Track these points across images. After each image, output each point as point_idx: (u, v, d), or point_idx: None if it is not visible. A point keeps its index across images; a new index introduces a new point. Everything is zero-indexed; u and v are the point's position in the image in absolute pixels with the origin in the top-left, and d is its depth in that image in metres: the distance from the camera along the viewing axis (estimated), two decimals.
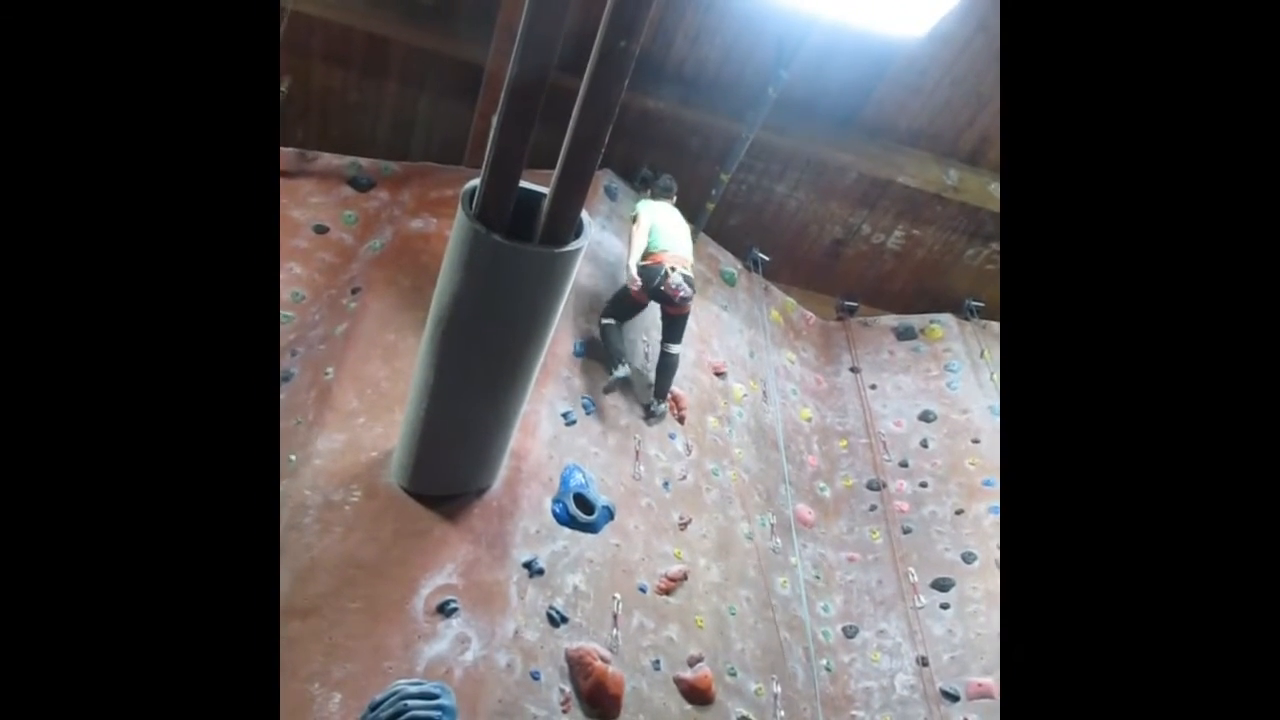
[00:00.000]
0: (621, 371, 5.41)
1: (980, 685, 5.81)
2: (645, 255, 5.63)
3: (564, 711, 4.15)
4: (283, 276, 5.70)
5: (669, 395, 5.79)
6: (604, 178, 6.60)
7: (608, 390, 5.43)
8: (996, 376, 7.61)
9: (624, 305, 5.68)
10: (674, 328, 5.72)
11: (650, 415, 5.67)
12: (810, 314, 7.88)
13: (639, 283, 5.52)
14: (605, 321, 5.63)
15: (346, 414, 4.79)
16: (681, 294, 5.54)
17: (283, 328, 5.49)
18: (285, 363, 5.33)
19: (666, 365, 5.70)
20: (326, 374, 5.07)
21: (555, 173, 3.43)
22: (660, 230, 5.75)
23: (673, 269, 5.57)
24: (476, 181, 3.61)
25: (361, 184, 6.38)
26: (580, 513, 4.81)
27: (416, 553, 4.23)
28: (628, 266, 5.61)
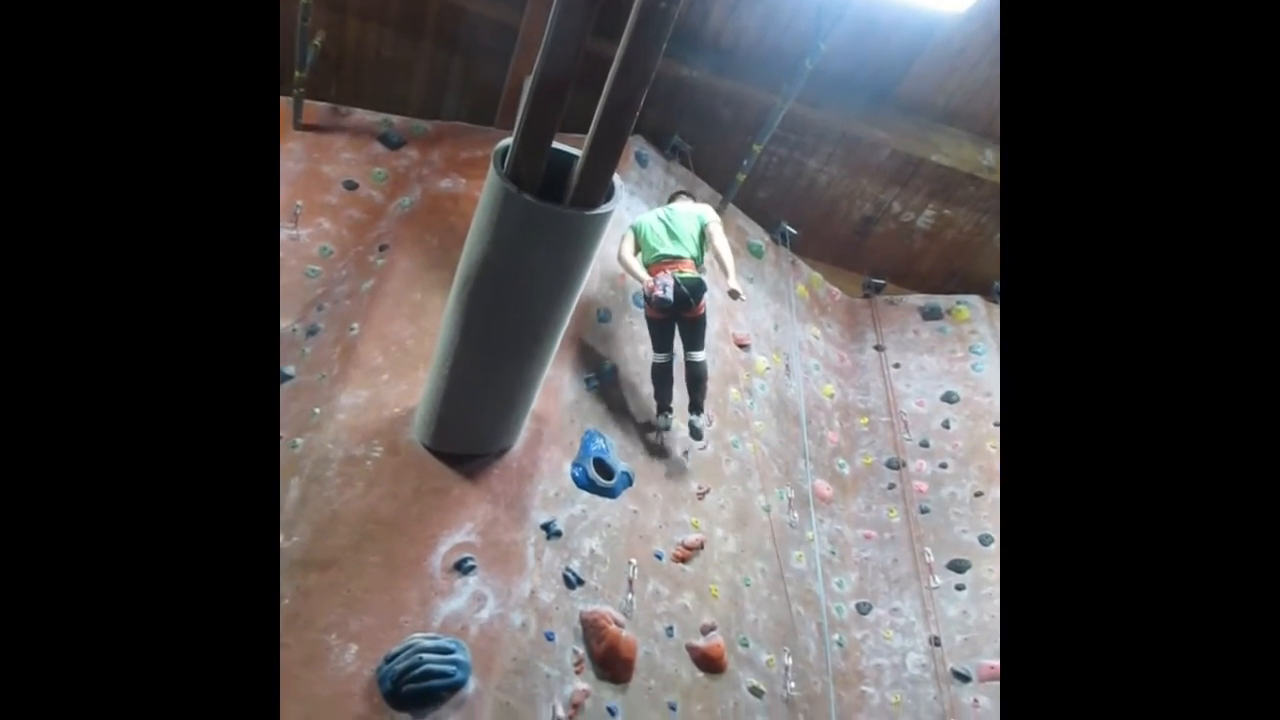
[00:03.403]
0: (663, 422, 5.27)
1: (992, 667, 5.80)
2: (647, 269, 5.26)
3: (577, 673, 4.17)
4: (311, 231, 5.71)
5: (704, 407, 5.46)
6: (635, 144, 6.56)
7: (656, 424, 5.33)
8: None
9: (653, 327, 5.34)
10: (692, 333, 5.30)
11: (694, 433, 5.35)
12: (836, 290, 7.84)
13: (649, 281, 5.12)
14: (654, 359, 5.33)
15: (371, 370, 4.80)
16: (658, 294, 5.04)
17: (309, 282, 5.52)
18: (311, 317, 5.35)
19: (695, 376, 5.31)
20: (352, 330, 5.08)
21: (589, 134, 3.41)
22: (650, 236, 5.31)
23: (664, 279, 5.11)
24: (509, 140, 3.59)
25: (392, 141, 6.37)
26: (599, 477, 4.82)
27: (436, 510, 4.26)
28: (639, 279, 5.24)
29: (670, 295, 5.05)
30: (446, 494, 4.32)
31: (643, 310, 5.40)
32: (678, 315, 5.23)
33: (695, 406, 5.37)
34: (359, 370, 4.80)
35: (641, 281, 5.21)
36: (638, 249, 5.34)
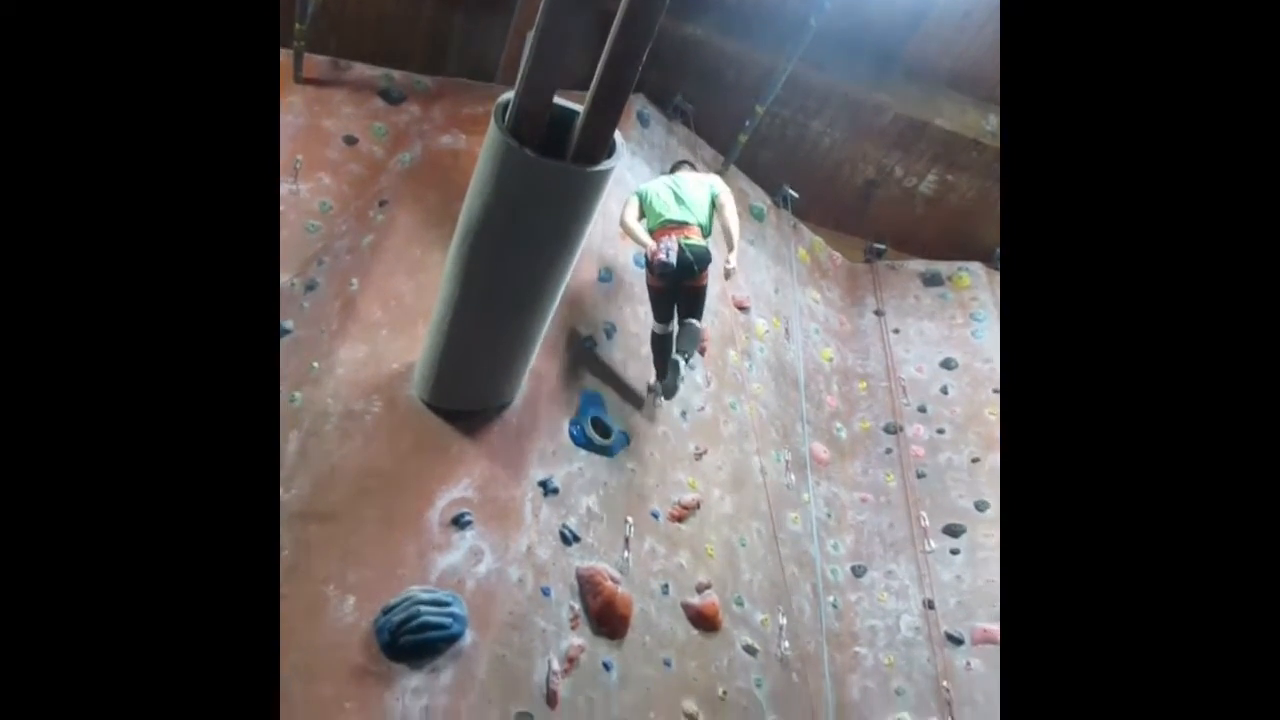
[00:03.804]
0: (661, 388, 5.18)
1: (985, 631, 5.85)
2: (650, 234, 5.13)
3: (572, 628, 4.20)
4: (311, 186, 5.68)
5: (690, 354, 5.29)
6: (637, 104, 6.51)
7: (661, 388, 5.21)
8: None
9: (654, 296, 5.22)
10: (692, 303, 5.14)
11: (674, 367, 5.13)
12: (837, 255, 7.81)
13: (653, 246, 5.00)
14: (654, 329, 5.24)
15: (370, 325, 4.80)
16: (661, 257, 4.91)
17: (309, 238, 5.49)
18: (310, 272, 5.34)
19: (688, 333, 5.15)
20: (351, 285, 5.07)
21: (591, 87, 3.38)
22: (656, 202, 5.18)
23: (669, 243, 4.99)
24: (510, 95, 3.56)
25: (393, 97, 6.32)
26: (597, 436, 4.83)
27: (434, 465, 4.27)
28: (643, 243, 5.11)
29: (673, 259, 4.91)
30: (445, 450, 4.33)
31: (644, 273, 5.29)
32: (679, 284, 5.09)
33: (681, 351, 5.14)
34: (358, 325, 4.80)
35: (644, 246, 5.08)
36: (642, 215, 5.22)
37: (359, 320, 4.84)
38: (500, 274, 3.95)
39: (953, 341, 7.40)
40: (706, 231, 5.15)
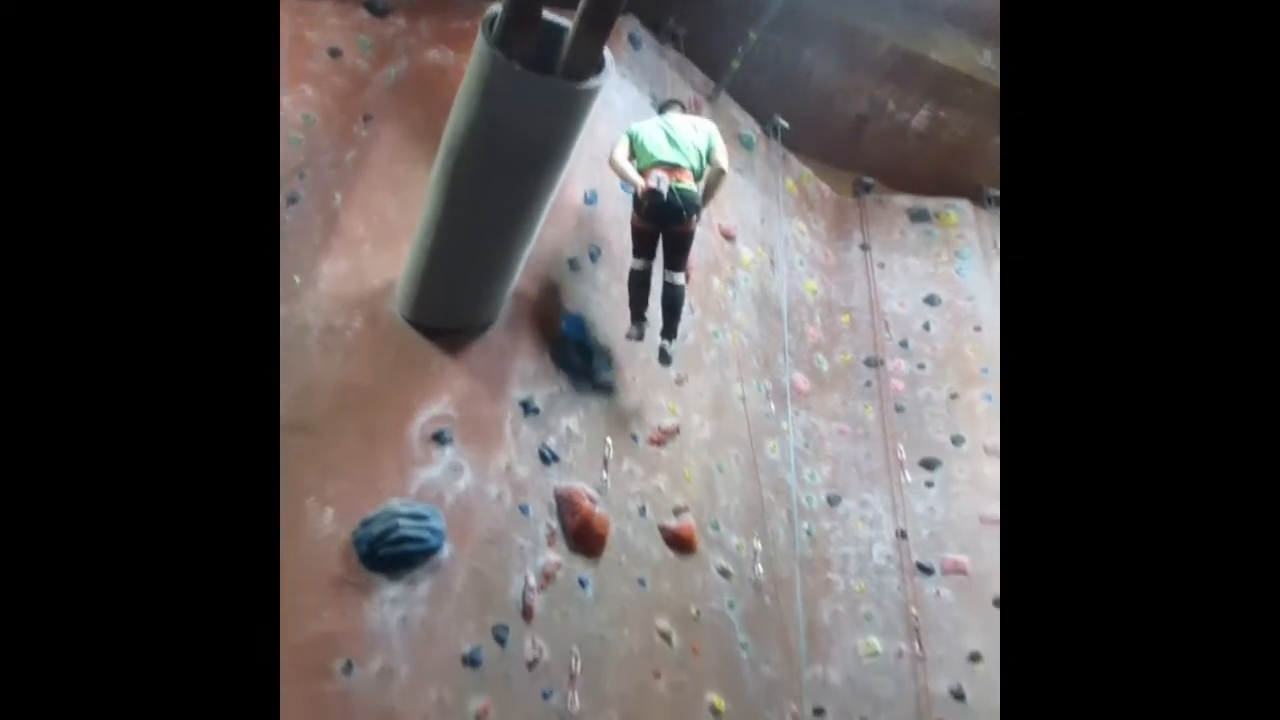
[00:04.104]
0: (636, 331, 5.02)
1: (955, 562, 5.97)
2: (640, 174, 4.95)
3: (549, 545, 4.26)
4: (293, 99, 5.58)
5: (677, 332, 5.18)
6: (628, 26, 6.40)
7: (631, 334, 5.04)
8: None
9: (637, 235, 5.06)
10: (676, 250, 4.98)
11: (663, 358, 5.05)
12: (826, 187, 7.78)
13: (641, 183, 4.84)
14: (633, 265, 5.07)
15: (352, 241, 4.76)
16: (652, 186, 4.74)
17: (291, 150, 5.41)
18: (292, 185, 5.27)
19: (672, 299, 5.02)
20: (334, 200, 5.02)
21: (581, 2, 3.32)
22: (648, 143, 4.98)
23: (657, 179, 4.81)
24: (498, 7, 3.49)
25: (379, 9, 6.18)
26: (578, 359, 4.84)
27: (415, 382, 4.28)
28: (632, 181, 4.93)
29: (664, 189, 4.75)
30: (426, 367, 4.33)
31: (630, 203, 5.12)
32: (665, 227, 4.94)
33: (669, 331, 5.04)
34: (341, 240, 4.76)
35: (634, 184, 4.91)
36: (632, 155, 5.03)
37: (341, 235, 4.80)
38: (484, 190, 3.92)
39: (937, 278, 7.42)
40: (698, 176, 5.01)
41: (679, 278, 4.99)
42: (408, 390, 4.26)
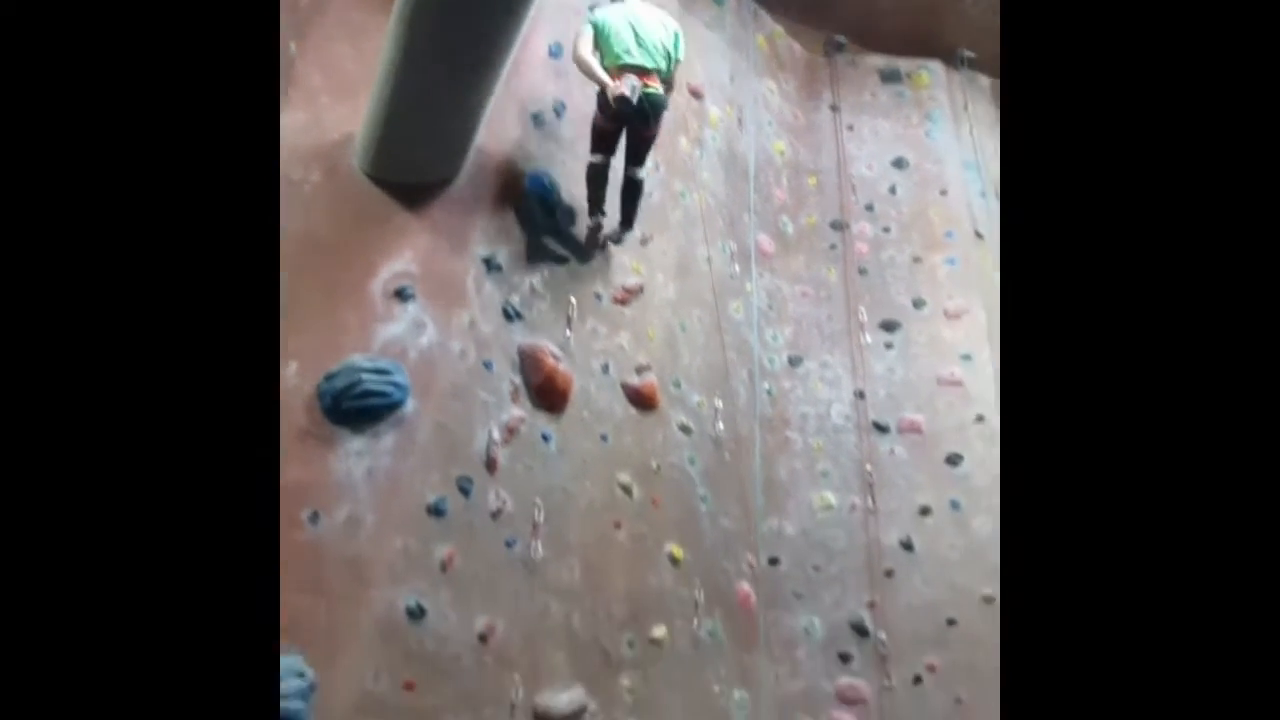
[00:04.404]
0: (595, 223, 4.92)
1: (911, 421, 6.14)
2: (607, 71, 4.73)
3: (513, 401, 4.32)
4: None
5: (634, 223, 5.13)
6: None
7: (590, 243, 4.99)
8: (976, 131, 7.52)
9: (599, 134, 4.85)
10: (638, 148, 4.90)
11: (614, 238, 5.06)
12: (796, 45, 7.61)
13: (612, 84, 4.60)
14: (591, 160, 4.89)
15: (309, 91, 4.62)
16: (623, 92, 4.54)
17: None
18: None
19: (631, 192, 4.98)
20: (289, 49, 4.84)
21: None
22: (614, 40, 4.72)
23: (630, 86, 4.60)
24: None
25: None
26: (542, 215, 4.80)
27: (376, 237, 4.24)
28: (599, 80, 4.67)
29: (635, 98, 4.58)
30: (387, 222, 4.28)
31: (594, 112, 4.85)
32: (630, 128, 4.81)
33: (626, 221, 5.01)
34: (297, 91, 4.62)
35: (602, 84, 4.66)
36: (595, 47, 4.79)
37: (298, 86, 4.65)
38: (444, 36, 3.80)
39: (906, 140, 7.37)
40: (664, 79, 4.83)
41: (640, 172, 4.94)
42: (369, 246, 4.22)
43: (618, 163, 4.91)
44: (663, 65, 4.80)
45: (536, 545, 4.18)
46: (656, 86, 4.73)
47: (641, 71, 4.68)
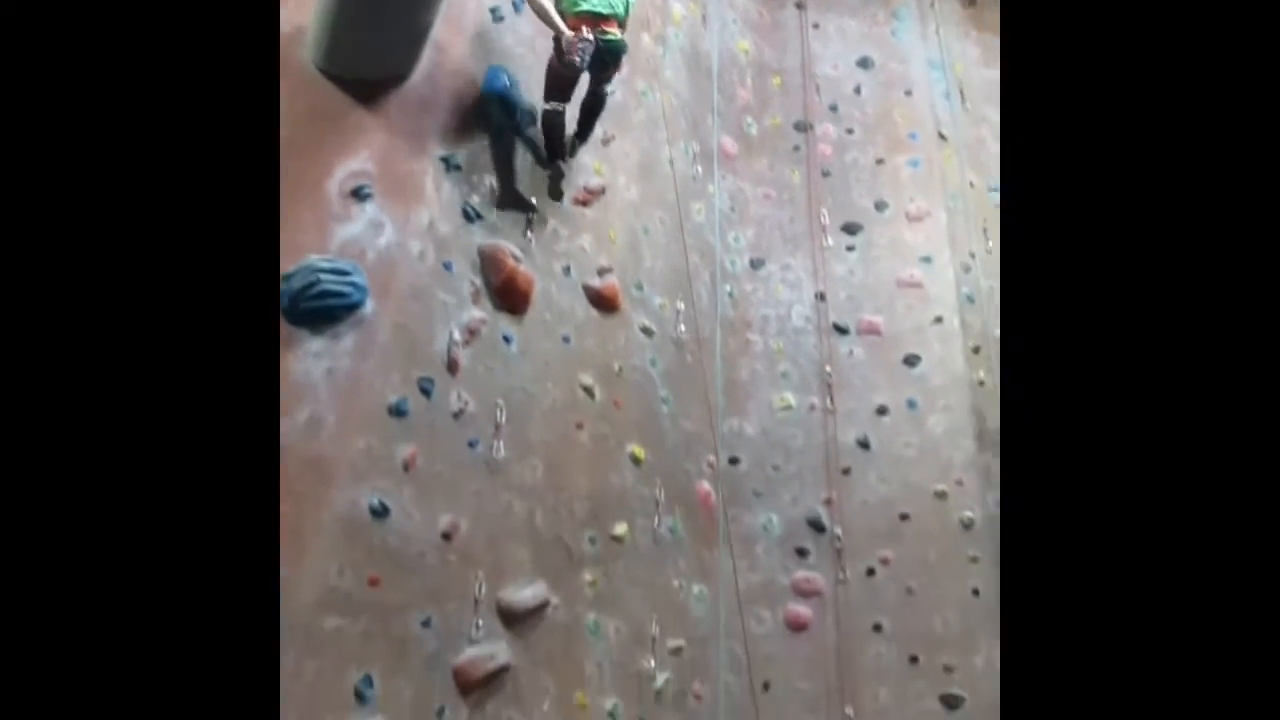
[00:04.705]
0: (556, 169, 4.77)
1: (870, 323, 6.21)
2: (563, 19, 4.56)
3: (474, 302, 4.31)
4: None
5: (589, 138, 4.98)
6: None
7: (554, 190, 4.80)
8: (943, 30, 7.43)
9: (555, 79, 4.66)
10: (598, 84, 4.79)
11: (571, 149, 4.88)
12: None
13: (569, 35, 4.45)
14: (546, 108, 4.70)
15: None
16: (574, 58, 4.45)
17: None
18: None
19: (593, 106, 4.84)
20: None
21: None
22: None
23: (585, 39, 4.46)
24: None
25: None
26: (502, 115, 4.72)
27: (331, 135, 4.14)
28: (556, 28, 4.51)
29: (586, 60, 4.46)
30: (342, 119, 4.19)
31: (549, 57, 4.66)
32: (590, 73, 4.66)
33: (583, 133, 4.85)
34: None
35: (558, 31, 4.49)
36: None
37: None
38: None
39: (872, 40, 7.29)
40: (623, 21, 4.67)
41: (607, 87, 4.81)
42: (324, 144, 4.13)
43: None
44: (620, 10, 4.65)
45: (499, 445, 4.22)
46: (614, 31, 4.58)
47: (599, 18, 4.54)
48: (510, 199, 4.65)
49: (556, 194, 4.83)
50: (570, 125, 4.86)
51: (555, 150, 4.79)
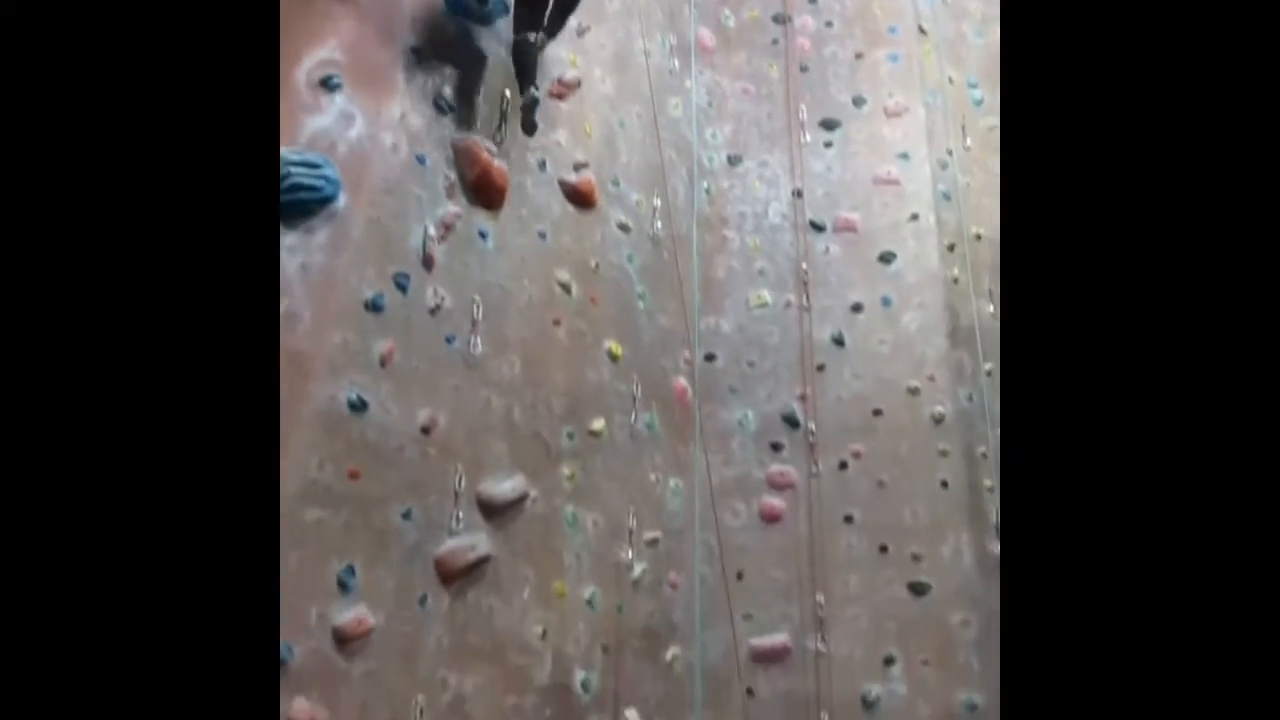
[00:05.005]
0: (530, 98, 4.46)
1: (846, 220, 6.21)
2: None
3: (448, 197, 4.26)
4: None
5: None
6: None
7: (527, 122, 4.49)
8: None
9: (524, 4, 4.49)
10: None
11: (540, 44, 4.54)
12: None
13: None
14: (516, 37, 4.49)
15: None
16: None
17: None
18: None
19: (566, 3, 4.63)
20: None
21: None
22: None
23: None
24: None
25: None
26: (474, 3, 4.59)
27: (298, 22, 3.99)
28: None
29: None
30: (308, 6, 4.05)
31: None
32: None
33: (552, 29, 4.57)
34: None
35: None
36: None
37: None
38: None
39: None
40: None
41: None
42: (291, 32, 3.98)
43: None
44: None
45: (476, 341, 4.23)
46: None
47: None
48: (476, 99, 4.53)
49: (530, 127, 4.53)
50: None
51: (526, 79, 4.52)
